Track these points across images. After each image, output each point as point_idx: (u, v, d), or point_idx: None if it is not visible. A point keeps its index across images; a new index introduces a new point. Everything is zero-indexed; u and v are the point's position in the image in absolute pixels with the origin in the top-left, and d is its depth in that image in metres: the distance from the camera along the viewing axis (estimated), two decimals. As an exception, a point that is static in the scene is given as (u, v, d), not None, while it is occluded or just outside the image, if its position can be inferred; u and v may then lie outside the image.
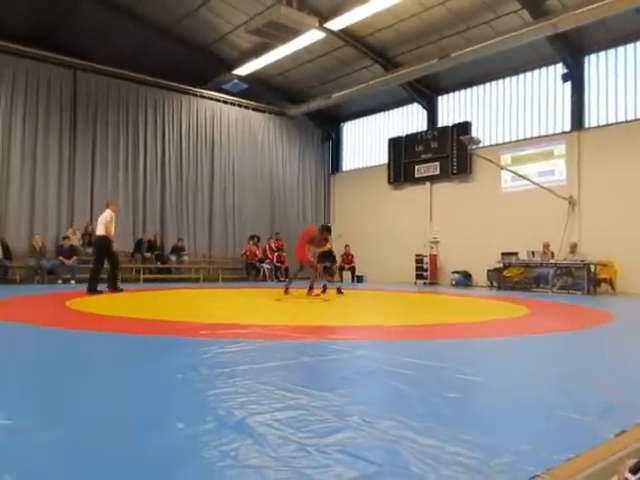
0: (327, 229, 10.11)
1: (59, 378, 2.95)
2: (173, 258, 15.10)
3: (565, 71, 13.52)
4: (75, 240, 13.36)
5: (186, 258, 15.39)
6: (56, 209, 13.80)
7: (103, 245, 9.56)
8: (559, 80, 13.77)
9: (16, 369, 3.20)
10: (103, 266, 9.77)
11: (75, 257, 12.82)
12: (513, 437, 1.98)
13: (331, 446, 1.83)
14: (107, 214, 9.61)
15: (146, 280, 14.09)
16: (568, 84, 13.55)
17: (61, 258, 12.58)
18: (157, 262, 14.67)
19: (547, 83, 14.26)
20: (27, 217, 13.31)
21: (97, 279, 9.56)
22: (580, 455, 1.76)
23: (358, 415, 2.20)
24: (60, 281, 12.44)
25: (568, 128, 13.65)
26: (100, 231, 9.54)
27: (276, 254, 16.48)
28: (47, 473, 1.59)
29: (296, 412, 2.24)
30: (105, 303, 7.97)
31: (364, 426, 2.07)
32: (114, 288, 9.79)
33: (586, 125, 13.37)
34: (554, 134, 13.99)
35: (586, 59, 13.45)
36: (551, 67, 14.10)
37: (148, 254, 14.47)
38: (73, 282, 12.52)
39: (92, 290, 9.36)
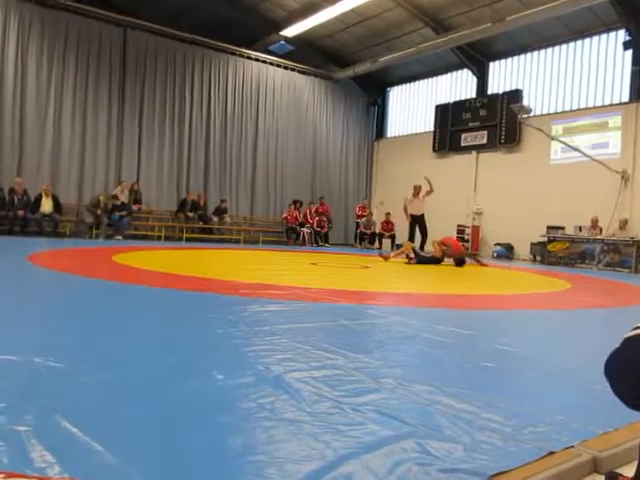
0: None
1: (105, 327, 3.07)
2: (215, 219, 15.33)
3: (627, 38, 12.80)
4: (123, 197, 13.69)
5: (228, 219, 15.59)
6: (104, 166, 14.12)
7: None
8: (620, 48, 13.07)
9: (64, 317, 3.35)
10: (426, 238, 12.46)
11: (126, 214, 13.23)
12: (548, 407, 1.97)
13: (365, 405, 1.87)
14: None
15: (188, 239, 14.39)
16: (629, 52, 12.86)
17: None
18: (199, 222, 14.93)
19: (606, 51, 13.57)
20: (77, 173, 13.68)
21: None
22: (618, 429, 1.74)
23: (393, 378, 2.23)
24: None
25: (626, 99, 13.03)
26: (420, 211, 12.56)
27: (317, 219, 16.53)
28: (93, 412, 1.68)
29: (332, 372, 2.28)
30: (149, 260, 8.20)
31: (398, 388, 2.09)
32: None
33: (646, 96, 12.74)
34: (610, 105, 13.38)
35: (651, 25, 12.71)
36: (612, 34, 13.38)
37: (191, 214, 14.73)
38: (120, 238, 12.91)
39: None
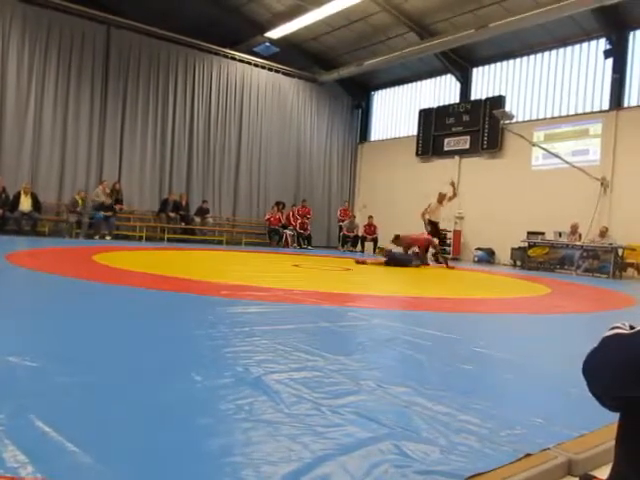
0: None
1: (84, 327, 3.03)
2: (197, 220, 15.22)
3: (608, 47, 12.99)
4: (104, 197, 13.51)
5: (210, 220, 15.50)
6: (85, 165, 13.93)
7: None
8: (600, 56, 13.26)
9: (42, 316, 3.30)
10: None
11: (111, 213, 13.13)
12: (525, 410, 1.99)
13: (344, 407, 1.86)
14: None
15: (170, 240, 14.27)
16: (610, 61, 13.06)
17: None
18: (181, 223, 14.81)
19: (587, 59, 13.76)
20: (57, 171, 13.47)
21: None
22: (594, 432, 1.76)
23: (372, 380, 2.23)
24: (97, 236, 12.80)
25: (606, 107, 13.22)
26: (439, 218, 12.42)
27: (299, 221, 16.52)
28: (68, 412, 1.65)
29: (312, 373, 2.28)
30: (130, 260, 8.12)
31: (377, 390, 2.10)
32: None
33: (625, 104, 12.94)
34: (591, 112, 13.56)
35: (631, 35, 12.92)
36: (593, 42, 13.55)
37: (173, 214, 14.60)
38: (108, 237, 12.80)
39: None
